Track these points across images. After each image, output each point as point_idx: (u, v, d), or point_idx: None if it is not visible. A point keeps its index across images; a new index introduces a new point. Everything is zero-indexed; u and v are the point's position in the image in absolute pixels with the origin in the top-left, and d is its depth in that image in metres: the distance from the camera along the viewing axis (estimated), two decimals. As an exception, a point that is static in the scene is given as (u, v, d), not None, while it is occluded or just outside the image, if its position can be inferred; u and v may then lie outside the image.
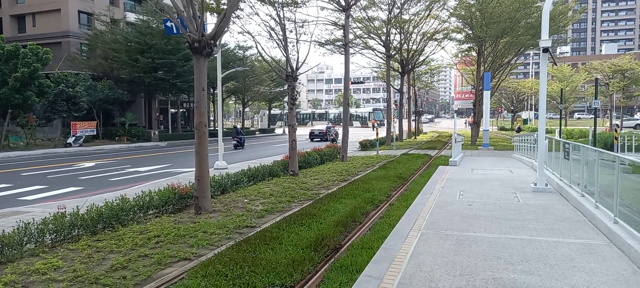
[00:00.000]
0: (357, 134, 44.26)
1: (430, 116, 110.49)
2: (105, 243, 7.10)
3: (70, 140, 30.68)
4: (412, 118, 45.23)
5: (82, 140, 31.32)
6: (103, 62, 37.06)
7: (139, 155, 25.74)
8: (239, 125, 50.51)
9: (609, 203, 7.23)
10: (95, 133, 33.88)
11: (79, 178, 15.85)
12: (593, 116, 20.92)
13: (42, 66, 27.87)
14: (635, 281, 5.08)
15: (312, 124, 56.19)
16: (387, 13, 31.44)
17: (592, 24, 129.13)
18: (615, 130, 22.48)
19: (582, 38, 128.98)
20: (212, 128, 43.57)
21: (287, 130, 25.07)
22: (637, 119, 55.78)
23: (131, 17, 41.50)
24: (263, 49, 14.86)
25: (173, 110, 46.82)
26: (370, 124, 65.71)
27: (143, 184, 13.91)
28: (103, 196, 11.19)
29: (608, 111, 56.24)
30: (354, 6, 23.93)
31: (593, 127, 21.34)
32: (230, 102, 76.10)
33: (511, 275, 5.26)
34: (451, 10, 30.39)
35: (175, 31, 12.65)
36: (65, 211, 7.64)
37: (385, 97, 34.66)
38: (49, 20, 39.33)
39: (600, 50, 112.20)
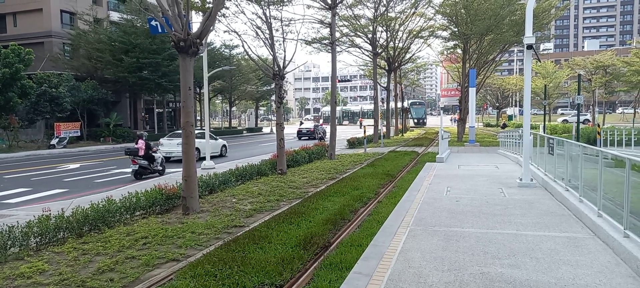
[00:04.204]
0: (345, 131, 44.38)
1: None
2: (91, 245, 7.01)
3: (54, 141, 30.15)
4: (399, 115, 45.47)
5: (66, 141, 30.80)
6: (87, 62, 36.49)
7: (124, 156, 25.41)
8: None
9: (592, 197, 7.36)
10: (79, 134, 33.37)
11: (63, 180, 15.61)
12: (576, 112, 21.25)
13: (25, 67, 27.36)
14: (619, 273, 5.19)
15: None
16: (373, 11, 31.53)
17: (575, 21, 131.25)
18: (598, 126, 22.89)
19: (564, 34, 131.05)
20: (199, 128, 43.25)
21: (274, 128, 25.10)
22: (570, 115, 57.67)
23: (115, 16, 40.92)
24: (249, 47, 14.80)
25: (159, 110, 46.35)
26: (412, 121, 59.82)
27: (129, 185, 13.77)
28: (89, 198, 11.05)
29: (591, 106, 57.23)
30: (340, 4, 23.94)
31: (576, 123, 21.68)
32: (217, 101, 75.62)
33: (498, 270, 5.33)
34: (437, 8, 30.58)
35: (160, 30, 12.51)
36: (50, 214, 7.52)
37: (372, 95, 34.77)
38: (30, 20, 38.58)
39: (583, 47, 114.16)
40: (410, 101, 66.18)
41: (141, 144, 15.23)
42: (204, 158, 18.49)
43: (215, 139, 23.60)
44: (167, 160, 19.26)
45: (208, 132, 18.49)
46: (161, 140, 22.05)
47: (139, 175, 15.44)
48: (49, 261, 6.35)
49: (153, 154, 15.73)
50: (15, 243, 6.74)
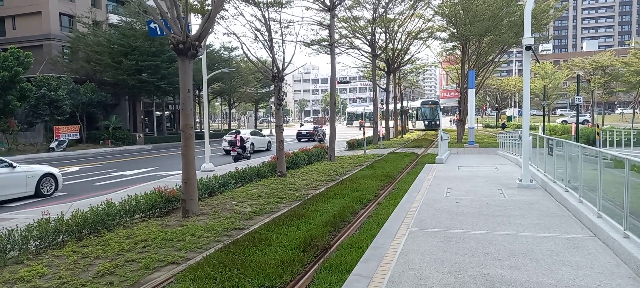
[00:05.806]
0: (345, 133, 44.39)
1: None
2: (91, 248, 7.00)
3: (53, 144, 30.15)
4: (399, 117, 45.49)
5: (65, 144, 30.80)
6: (86, 64, 36.49)
7: (124, 159, 25.43)
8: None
9: (592, 197, 7.35)
10: (78, 137, 33.34)
11: (63, 184, 15.57)
12: (575, 112, 21.26)
13: (24, 70, 27.35)
14: (619, 273, 5.18)
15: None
16: (372, 12, 31.57)
17: (573, 21, 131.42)
18: (598, 126, 22.91)
19: (563, 35, 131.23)
20: (199, 130, 43.24)
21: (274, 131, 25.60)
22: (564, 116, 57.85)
23: (114, 18, 40.93)
24: (248, 49, 14.85)
25: (158, 113, 46.33)
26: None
27: (129, 188, 13.75)
28: (88, 201, 11.03)
29: (590, 107, 57.30)
30: (339, 6, 23.97)
31: (576, 124, 21.70)
32: (217, 103, 75.61)
33: (499, 271, 5.32)
34: (435, 9, 30.62)
35: (159, 33, 12.51)
36: (49, 217, 7.51)
37: (372, 96, 34.80)
38: (29, 22, 38.58)
39: (582, 47, 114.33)
40: (421, 100, 61.11)
41: (239, 137, 21.97)
42: (258, 151, 24.81)
43: (263, 136, 29.45)
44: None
45: (207, 134, 18.49)
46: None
47: (236, 159, 20.47)
48: (49, 265, 6.34)
49: (245, 145, 22.16)
50: (14, 247, 6.72)
